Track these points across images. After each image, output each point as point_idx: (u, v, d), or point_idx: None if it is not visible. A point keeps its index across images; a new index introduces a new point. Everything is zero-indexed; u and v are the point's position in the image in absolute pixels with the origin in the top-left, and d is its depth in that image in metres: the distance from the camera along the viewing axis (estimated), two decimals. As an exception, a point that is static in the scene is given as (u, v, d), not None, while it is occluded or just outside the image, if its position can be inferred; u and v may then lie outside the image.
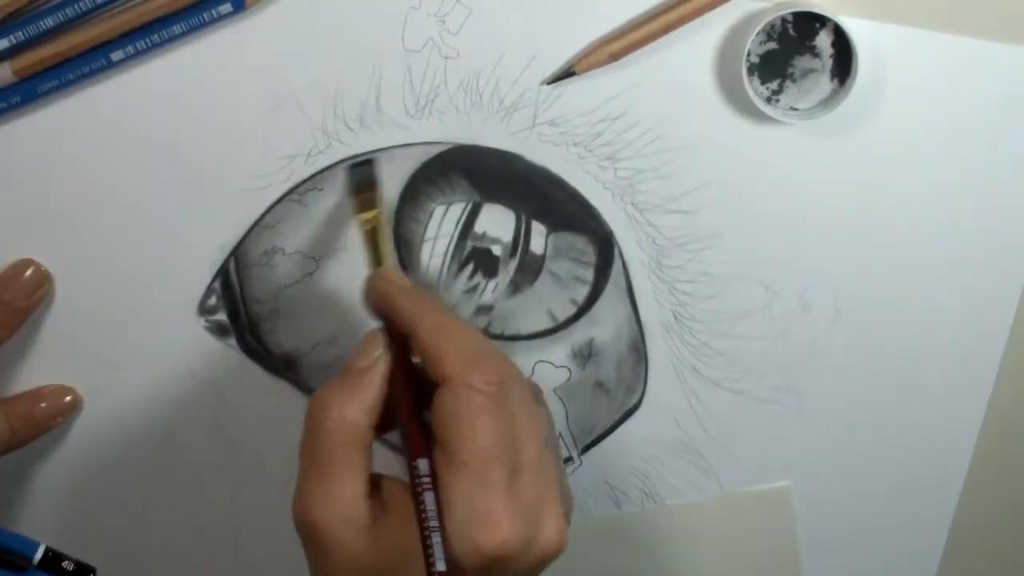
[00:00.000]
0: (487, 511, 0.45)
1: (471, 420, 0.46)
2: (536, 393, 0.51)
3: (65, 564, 0.54)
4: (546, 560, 0.47)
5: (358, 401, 0.48)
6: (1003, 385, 0.61)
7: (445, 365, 0.47)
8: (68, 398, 0.59)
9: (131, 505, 0.62)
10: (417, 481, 0.46)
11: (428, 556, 0.45)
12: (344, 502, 0.47)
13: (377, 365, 0.49)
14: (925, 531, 0.63)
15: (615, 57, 0.55)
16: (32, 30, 0.53)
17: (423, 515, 0.46)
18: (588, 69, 0.55)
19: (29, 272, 0.57)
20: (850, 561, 0.64)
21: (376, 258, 0.53)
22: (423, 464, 0.47)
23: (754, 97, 0.55)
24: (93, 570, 0.53)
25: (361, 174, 0.56)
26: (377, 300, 0.50)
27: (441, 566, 0.45)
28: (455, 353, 0.47)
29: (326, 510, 0.47)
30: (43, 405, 0.59)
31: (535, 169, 0.57)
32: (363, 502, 0.48)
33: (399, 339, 0.49)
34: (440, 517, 0.46)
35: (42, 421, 0.59)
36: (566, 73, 0.56)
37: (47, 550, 0.54)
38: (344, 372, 0.50)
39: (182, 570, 0.62)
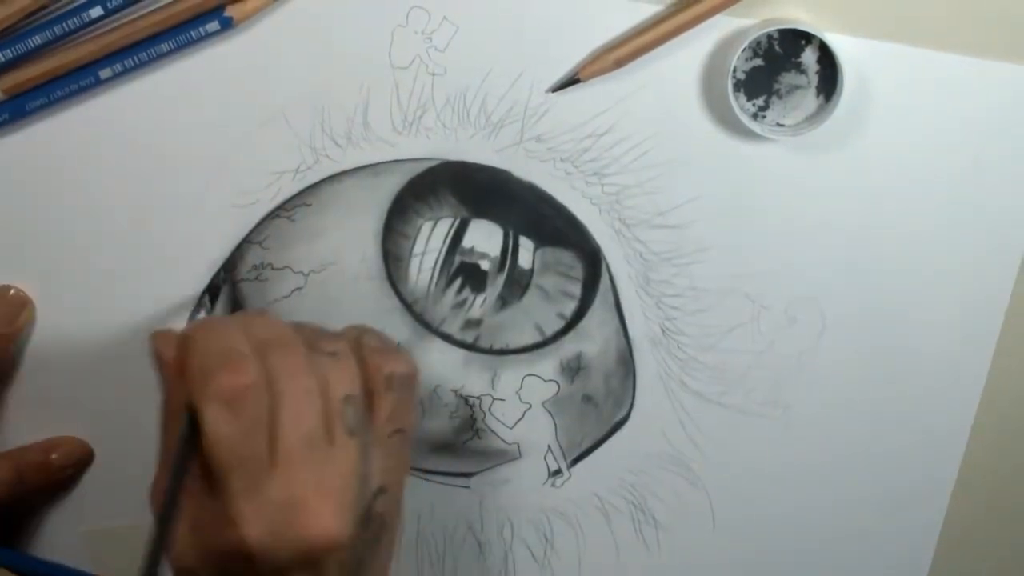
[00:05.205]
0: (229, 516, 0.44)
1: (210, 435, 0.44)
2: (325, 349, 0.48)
3: None
4: (313, 551, 0.45)
5: None
6: (990, 396, 0.61)
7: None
8: (82, 450, 0.61)
9: (127, 517, 0.62)
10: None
11: None
12: None
13: None
14: (914, 541, 0.63)
15: (620, 63, 0.55)
16: (21, 48, 0.53)
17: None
18: (592, 76, 0.55)
19: (10, 295, 0.58)
20: (839, 571, 0.64)
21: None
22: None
23: (740, 113, 0.55)
24: None
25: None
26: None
27: None
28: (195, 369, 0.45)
29: None
30: (54, 456, 0.60)
31: (522, 185, 0.58)
32: None
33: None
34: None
35: (54, 471, 0.60)
36: (570, 81, 0.56)
37: None
38: None
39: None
